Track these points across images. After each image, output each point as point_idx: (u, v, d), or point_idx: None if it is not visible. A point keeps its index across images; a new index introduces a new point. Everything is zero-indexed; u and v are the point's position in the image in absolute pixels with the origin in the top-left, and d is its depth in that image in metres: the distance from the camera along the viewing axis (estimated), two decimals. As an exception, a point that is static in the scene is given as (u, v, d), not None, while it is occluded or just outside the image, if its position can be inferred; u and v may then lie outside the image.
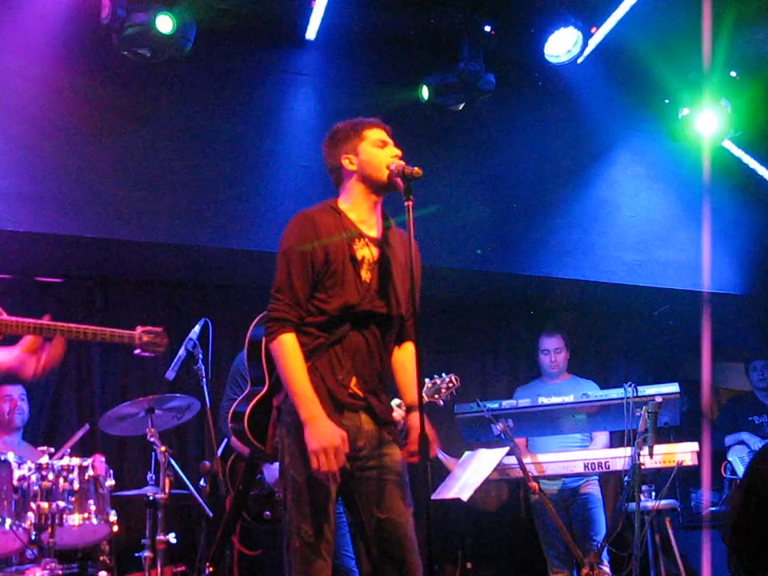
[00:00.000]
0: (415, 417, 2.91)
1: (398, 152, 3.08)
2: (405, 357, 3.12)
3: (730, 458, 6.00)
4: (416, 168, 2.92)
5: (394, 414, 3.20)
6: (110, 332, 3.45)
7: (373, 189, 3.05)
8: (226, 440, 4.63)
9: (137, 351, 3.54)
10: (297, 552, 2.83)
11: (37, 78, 4.89)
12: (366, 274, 2.97)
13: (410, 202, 2.89)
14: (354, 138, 3.07)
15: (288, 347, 2.87)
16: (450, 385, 4.58)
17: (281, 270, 2.95)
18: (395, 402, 3.37)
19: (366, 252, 3.00)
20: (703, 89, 5.91)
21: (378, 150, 3.04)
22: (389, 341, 3.04)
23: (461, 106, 5.57)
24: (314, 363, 2.90)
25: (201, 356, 4.43)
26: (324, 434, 2.76)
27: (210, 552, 3.19)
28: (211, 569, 3.07)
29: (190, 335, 4.46)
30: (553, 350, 5.73)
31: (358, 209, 3.06)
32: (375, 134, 3.07)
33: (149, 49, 4.82)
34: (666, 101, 6.24)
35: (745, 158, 6.50)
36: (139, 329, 3.53)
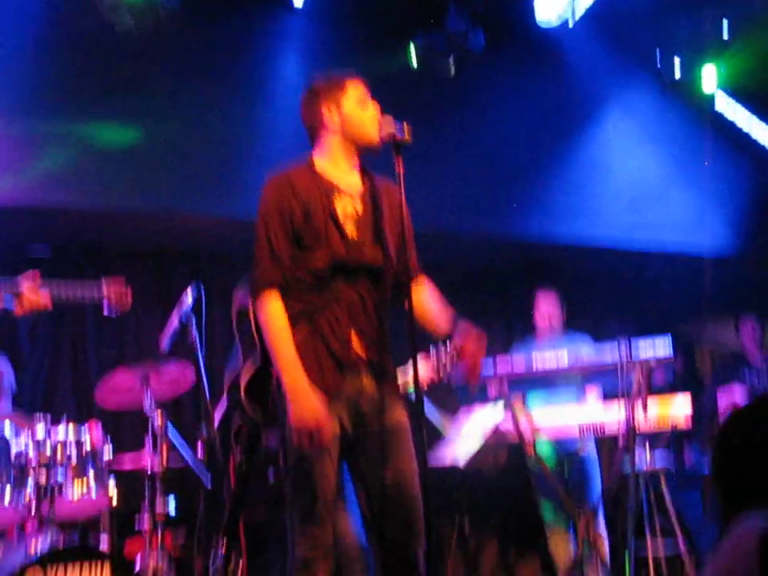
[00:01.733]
0: (464, 327, 2.96)
1: (377, 108, 3.04)
2: (424, 296, 3.11)
3: (722, 418, 6.03)
4: (406, 135, 2.90)
5: (399, 378, 3.19)
6: (81, 286, 3.54)
7: (353, 146, 3.02)
8: (225, 403, 4.63)
9: (106, 311, 3.60)
10: (297, 519, 2.84)
11: (19, 47, 4.82)
12: (349, 229, 2.94)
13: (401, 169, 2.86)
14: (335, 91, 3.03)
15: (271, 312, 2.85)
16: (453, 358, 4.55)
17: (260, 233, 2.93)
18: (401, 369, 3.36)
19: (349, 207, 2.97)
20: (696, 47, 5.87)
21: (360, 108, 3.01)
22: (384, 295, 3.00)
23: (452, 72, 5.52)
24: (313, 327, 2.87)
25: (194, 324, 4.42)
26: (306, 412, 2.73)
27: (222, 527, 3.21)
28: (224, 550, 3.10)
29: (183, 304, 4.44)
30: (545, 308, 5.74)
31: (337, 164, 3.03)
32: (357, 89, 3.04)
33: (132, 11, 4.74)
34: (658, 60, 6.20)
35: (739, 117, 6.47)
36: (104, 280, 3.60)
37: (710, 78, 6.04)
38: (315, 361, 2.85)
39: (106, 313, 3.61)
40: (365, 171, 3.10)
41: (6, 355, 5.03)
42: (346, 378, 2.88)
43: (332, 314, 2.89)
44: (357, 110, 3.01)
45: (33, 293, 3.31)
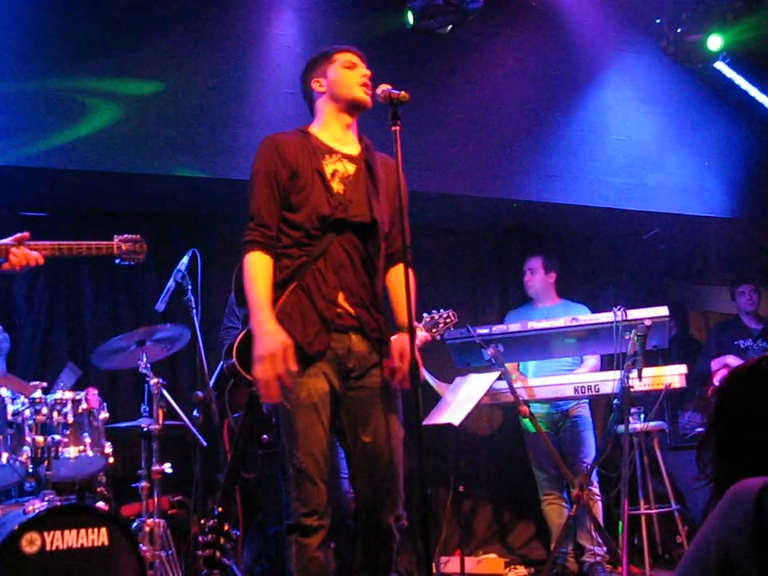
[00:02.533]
0: (403, 338, 2.90)
1: (368, 72, 3.10)
2: (396, 279, 3.11)
3: (716, 382, 6.07)
4: (403, 92, 2.91)
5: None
6: (87, 245, 3.47)
7: (342, 107, 3.08)
8: (219, 367, 4.66)
9: (117, 261, 3.56)
10: (291, 478, 2.86)
11: (14, 5, 4.77)
12: (337, 186, 2.99)
13: (398, 127, 2.89)
14: (324, 63, 3.13)
15: (251, 264, 2.91)
16: (448, 320, 4.62)
17: (250, 195, 3.00)
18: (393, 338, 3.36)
19: (339, 166, 3.02)
20: (696, 10, 5.80)
21: (345, 71, 3.08)
22: (373, 253, 3.02)
23: (448, 29, 5.47)
24: (299, 283, 2.91)
25: (190, 287, 4.42)
26: (265, 342, 2.76)
27: (219, 493, 3.24)
28: (220, 509, 3.13)
29: (179, 266, 4.44)
30: (529, 270, 5.76)
31: (330, 128, 3.10)
32: (345, 57, 3.11)
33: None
34: (657, 21, 6.14)
35: (737, 80, 6.42)
36: (117, 238, 3.54)
37: (711, 39, 5.98)
38: (300, 319, 2.88)
39: (116, 262, 3.57)
40: (363, 140, 3.15)
41: None
42: (333, 336, 2.90)
43: (318, 272, 2.92)
44: (342, 72, 3.08)
45: (19, 253, 3.31)
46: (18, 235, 3.32)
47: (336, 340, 2.91)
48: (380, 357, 2.98)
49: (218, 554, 3.08)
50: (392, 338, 3.01)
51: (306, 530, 2.83)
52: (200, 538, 3.25)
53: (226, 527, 3.16)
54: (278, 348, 2.74)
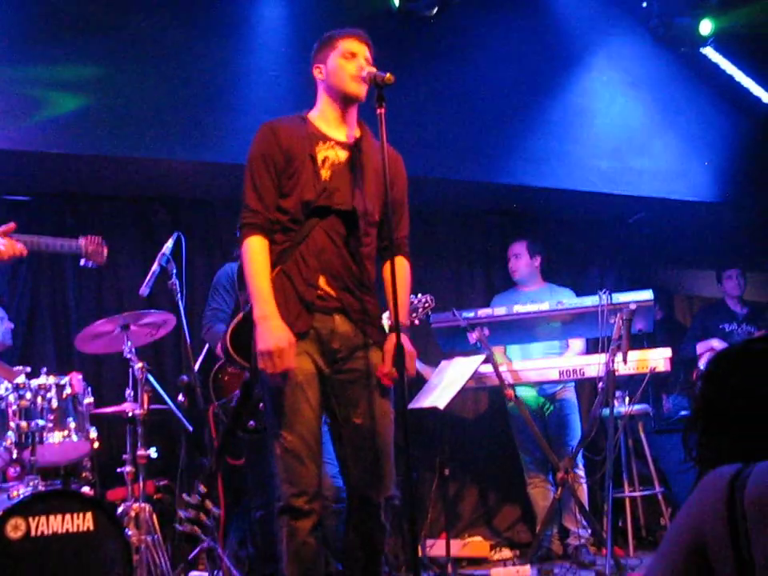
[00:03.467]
0: (391, 339, 2.94)
1: (364, 64, 3.06)
2: (387, 274, 3.09)
3: (701, 365, 6.10)
4: (388, 74, 2.91)
5: (383, 321, 3.21)
6: (61, 242, 3.61)
7: (336, 98, 3.08)
8: (204, 352, 4.64)
9: (82, 262, 3.68)
10: (279, 459, 2.86)
11: None
12: (325, 173, 3.00)
13: (383, 110, 2.89)
14: (326, 48, 3.10)
15: (251, 249, 2.92)
16: (426, 305, 4.66)
17: (246, 179, 3.01)
18: (386, 315, 3.37)
19: (331, 153, 3.03)
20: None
21: (343, 61, 3.05)
22: (358, 239, 3.02)
23: (434, 11, 5.44)
24: (281, 268, 2.93)
25: (175, 271, 4.40)
26: (270, 337, 2.79)
27: (207, 469, 3.25)
28: (204, 488, 3.13)
29: (163, 250, 4.41)
30: (514, 255, 5.76)
31: (326, 116, 3.10)
32: (347, 45, 3.07)
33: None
34: (644, 4, 6.13)
35: (723, 64, 6.42)
36: (82, 239, 3.64)
37: (697, 23, 5.98)
38: (282, 301, 2.89)
39: (81, 264, 3.72)
40: (362, 128, 3.16)
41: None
42: (316, 317, 2.92)
43: (300, 256, 2.94)
44: (340, 63, 3.05)
45: (8, 244, 3.37)
46: (4, 227, 3.35)
47: (319, 320, 2.93)
48: (366, 338, 2.99)
49: (197, 530, 3.07)
50: (385, 321, 3.03)
51: (297, 513, 2.83)
52: (181, 513, 3.25)
53: (209, 505, 3.15)
54: (285, 344, 2.79)
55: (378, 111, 2.89)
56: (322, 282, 2.95)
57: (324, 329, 2.93)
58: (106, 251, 3.71)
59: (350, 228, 3.00)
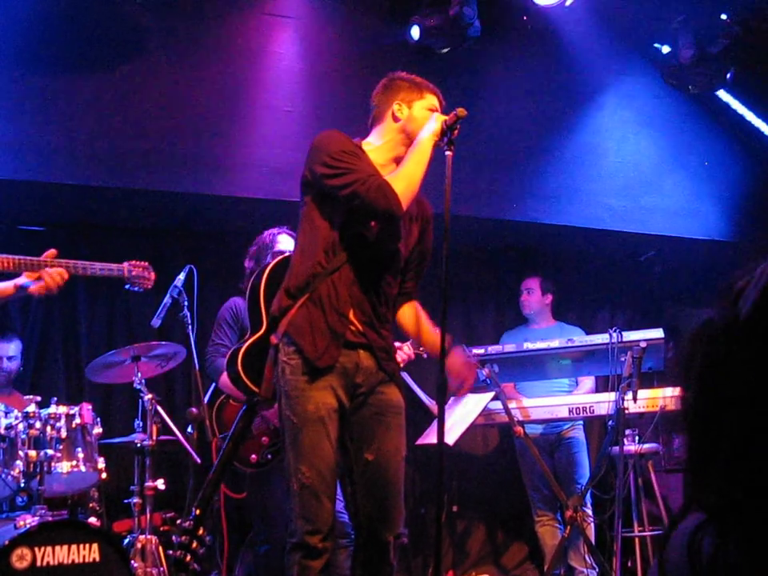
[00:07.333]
0: (454, 353, 3.02)
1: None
2: (412, 311, 3.17)
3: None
4: (460, 109, 2.94)
5: (398, 355, 3.22)
6: (100, 266, 3.58)
7: (406, 143, 3.07)
8: (212, 386, 4.64)
9: (127, 286, 3.68)
10: (296, 495, 2.83)
11: (12, 16, 4.77)
12: None
13: (451, 153, 2.94)
14: (413, 92, 3.13)
15: (391, 181, 2.92)
16: None
17: (345, 168, 2.91)
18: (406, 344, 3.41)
19: None
20: (694, 35, 5.82)
21: (428, 113, 3.08)
22: (388, 279, 3.02)
23: (446, 49, 5.49)
24: (311, 295, 2.89)
25: (186, 303, 4.41)
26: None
27: (198, 495, 3.21)
28: (198, 511, 3.08)
29: (175, 282, 4.43)
30: (526, 290, 5.78)
31: (383, 152, 3.10)
32: (433, 101, 3.14)
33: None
34: (656, 45, 6.17)
35: (734, 104, 6.45)
36: (126, 263, 3.66)
37: (708, 65, 6.00)
38: (309, 331, 2.86)
39: (126, 287, 3.73)
40: None
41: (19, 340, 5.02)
42: (342, 350, 2.89)
43: (332, 285, 2.90)
44: (424, 114, 3.08)
45: (53, 274, 3.34)
46: (47, 253, 3.35)
47: (345, 354, 2.90)
48: (386, 375, 2.98)
49: (188, 557, 3.03)
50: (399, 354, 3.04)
51: (311, 552, 2.79)
52: (173, 538, 3.21)
53: (201, 531, 3.11)
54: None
55: (447, 153, 2.92)
56: (351, 314, 2.93)
57: (349, 363, 2.91)
58: (153, 276, 3.69)
59: (380, 265, 3.00)
